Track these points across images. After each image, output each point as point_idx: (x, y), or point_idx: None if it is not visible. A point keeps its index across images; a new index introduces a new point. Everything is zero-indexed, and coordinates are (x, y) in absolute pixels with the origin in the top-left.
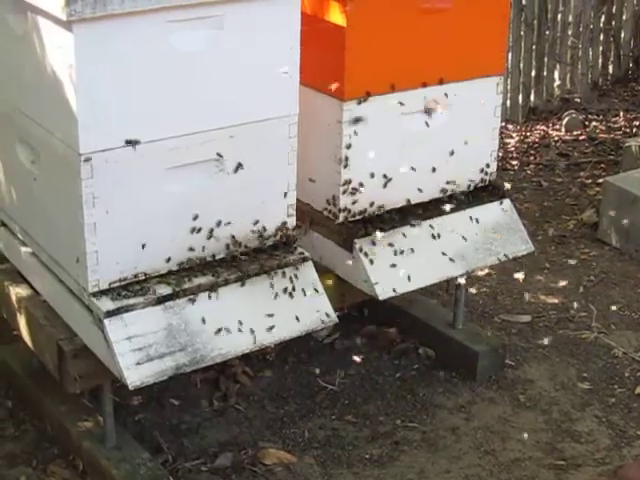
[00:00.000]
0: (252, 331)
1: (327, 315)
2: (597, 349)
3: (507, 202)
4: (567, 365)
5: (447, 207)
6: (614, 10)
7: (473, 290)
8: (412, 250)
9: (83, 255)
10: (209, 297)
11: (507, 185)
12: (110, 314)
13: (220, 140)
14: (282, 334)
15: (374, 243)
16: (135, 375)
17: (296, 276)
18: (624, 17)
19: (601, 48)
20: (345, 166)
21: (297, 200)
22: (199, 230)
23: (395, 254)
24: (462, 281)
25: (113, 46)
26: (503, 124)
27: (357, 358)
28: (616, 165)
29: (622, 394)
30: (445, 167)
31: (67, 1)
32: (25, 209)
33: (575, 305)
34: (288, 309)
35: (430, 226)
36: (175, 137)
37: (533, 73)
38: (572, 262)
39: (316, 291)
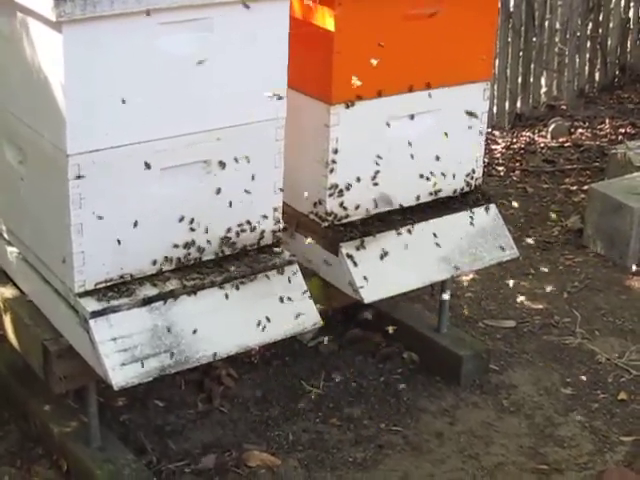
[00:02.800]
0: (237, 333)
1: (312, 318)
2: (581, 355)
3: (492, 207)
4: (551, 370)
5: (433, 212)
6: (601, 18)
7: (458, 295)
8: (397, 254)
9: (69, 255)
10: (195, 299)
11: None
12: (95, 315)
13: (207, 142)
14: (267, 336)
15: (360, 247)
16: (120, 376)
17: (282, 279)
18: (611, 25)
19: (588, 55)
20: (332, 170)
21: (283, 203)
22: (185, 232)
23: (381, 258)
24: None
25: (102, 47)
26: (489, 130)
27: (341, 362)
28: (601, 172)
29: (605, 399)
30: (431, 172)
31: (56, 2)
32: (12, 209)
33: (559, 311)
34: (274, 312)
35: (416, 230)
36: (162, 139)
37: (520, 80)
38: (557, 268)
39: (302, 294)
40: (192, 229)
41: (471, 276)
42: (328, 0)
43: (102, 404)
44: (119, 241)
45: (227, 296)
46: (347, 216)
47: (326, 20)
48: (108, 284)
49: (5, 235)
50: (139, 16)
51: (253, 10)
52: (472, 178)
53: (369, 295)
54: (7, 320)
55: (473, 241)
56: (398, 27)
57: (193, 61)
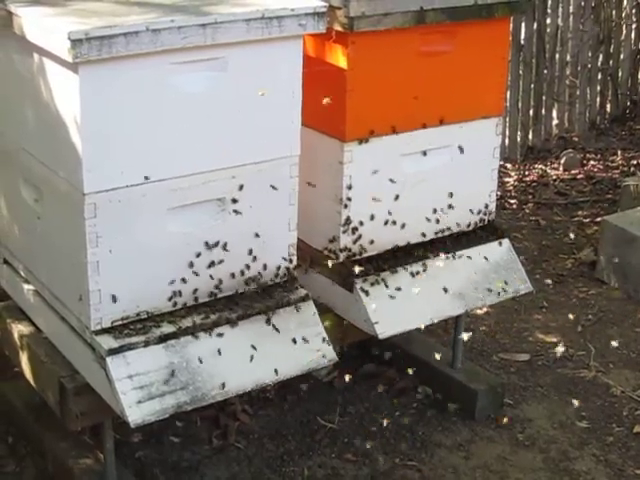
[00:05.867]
0: (252, 369)
1: (327, 354)
2: (595, 388)
3: (506, 242)
4: (565, 404)
5: (447, 247)
6: (612, 50)
7: (472, 329)
8: (412, 289)
9: (86, 293)
10: (210, 336)
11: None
12: (112, 352)
13: (222, 181)
14: (282, 373)
15: (374, 282)
16: (137, 413)
17: (297, 315)
18: (621, 57)
19: (599, 87)
20: (346, 206)
21: (298, 239)
22: (201, 269)
23: (395, 293)
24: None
25: (117, 87)
26: (501, 163)
27: (356, 397)
28: (614, 204)
29: (620, 433)
30: (445, 207)
31: (73, 43)
32: (28, 247)
33: (573, 344)
34: (288, 348)
35: (429, 265)
36: (177, 177)
37: (531, 112)
38: (570, 301)
39: (316, 330)
40: (207, 266)
41: (485, 310)
42: (341, 38)
43: (118, 440)
44: (135, 279)
45: (242, 333)
46: (361, 252)
47: (339, 58)
48: (124, 321)
49: (21, 272)
50: (154, 56)
51: (267, 48)
52: (485, 213)
53: (384, 330)
54: (23, 357)
55: (487, 276)
56: (411, 64)
57: (207, 100)
